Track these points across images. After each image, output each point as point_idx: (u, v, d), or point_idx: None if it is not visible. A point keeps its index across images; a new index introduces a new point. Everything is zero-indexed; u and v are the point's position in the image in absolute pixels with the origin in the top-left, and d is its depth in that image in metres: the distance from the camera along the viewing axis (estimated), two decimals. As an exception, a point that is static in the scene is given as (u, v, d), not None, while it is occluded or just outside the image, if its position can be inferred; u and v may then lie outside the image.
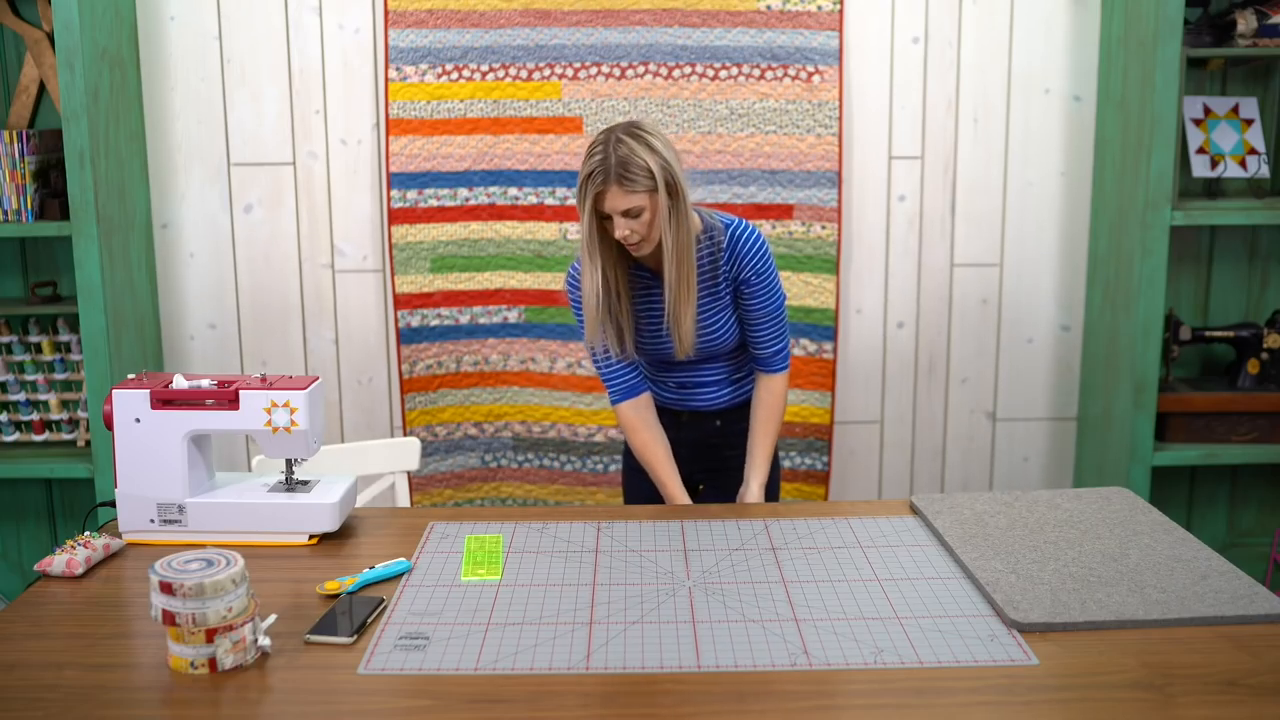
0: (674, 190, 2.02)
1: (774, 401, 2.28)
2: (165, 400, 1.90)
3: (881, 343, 3.25)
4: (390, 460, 2.58)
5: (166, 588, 1.48)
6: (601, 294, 2.13)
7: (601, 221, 2.08)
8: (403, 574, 1.80)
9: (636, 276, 2.22)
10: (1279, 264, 3.22)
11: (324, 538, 1.96)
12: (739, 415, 2.34)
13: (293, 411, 1.91)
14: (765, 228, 3.10)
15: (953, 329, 3.25)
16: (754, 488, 2.29)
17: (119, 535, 1.96)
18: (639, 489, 2.42)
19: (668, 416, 2.36)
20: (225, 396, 1.91)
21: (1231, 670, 1.47)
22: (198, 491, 1.95)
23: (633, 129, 2.03)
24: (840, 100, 3.06)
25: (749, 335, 2.24)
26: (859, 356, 3.25)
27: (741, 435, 2.33)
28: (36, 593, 1.75)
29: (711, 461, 2.37)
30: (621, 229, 2.03)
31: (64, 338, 3.05)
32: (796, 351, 3.17)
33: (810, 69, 3.04)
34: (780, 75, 3.04)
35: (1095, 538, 1.88)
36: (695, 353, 2.22)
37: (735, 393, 2.34)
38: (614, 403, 2.30)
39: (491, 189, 3.08)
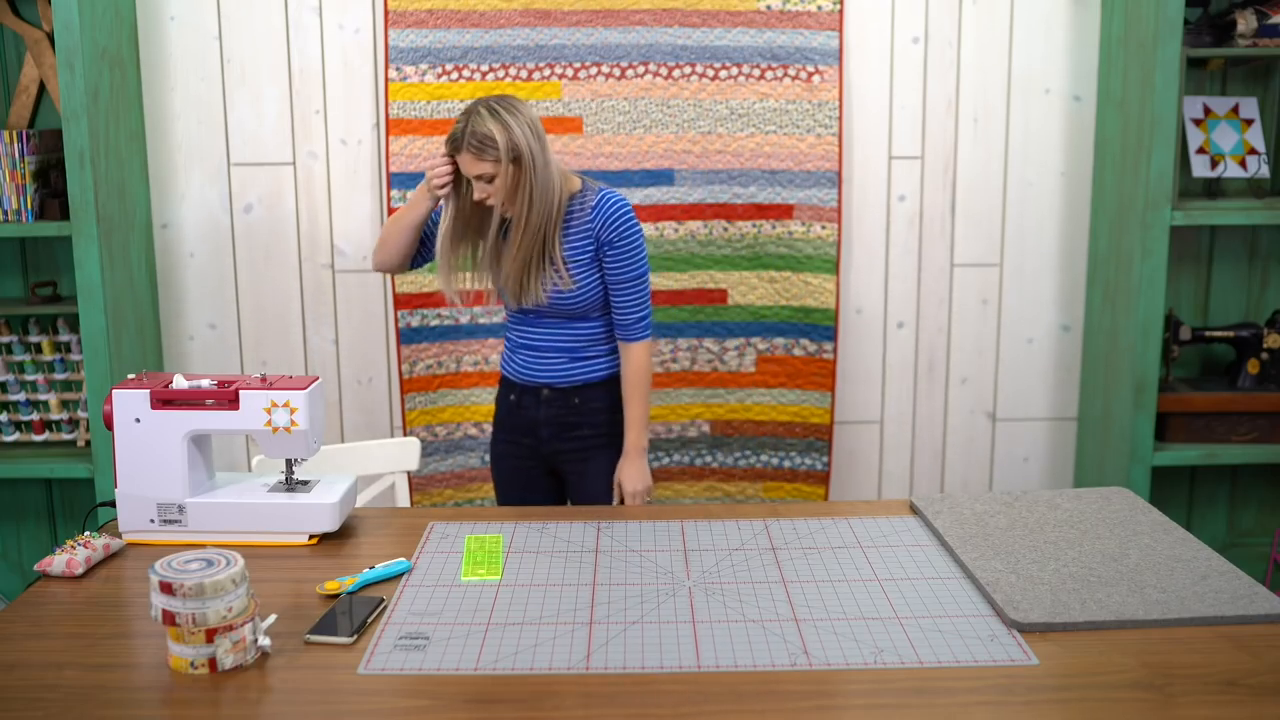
0: (520, 162, 2.23)
1: (635, 370, 2.42)
2: (165, 400, 1.90)
3: (881, 343, 3.25)
4: (390, 460, 2.58)
5: (166, 588, 1.48)
6: (453, 222, 2.36)
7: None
8: (403, 574, 1.80)
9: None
10: (1279, 264, 3.22)
11: (324, 538, 1.96)
12: (595, 394, 2.44)
13: (293, 411, 1.91)
14: (765, 228, 3.10)
15: (953, 329, 3.25)
16: (629, 448, 2.42)
17: (119, 535, 1.96)
18: (506, 480, 2.52)
19: (529, 395, 2.45)
20: (225, 396, 1.91)
21: (1231, 670, 1.47)
22: (198, 491, 1.95)
23: (494, 102, 2.25)
24: (840, 100, 3.06)
25: (612, 301, 2.39)
26: (859, 356, 3.25)
27: (598, 413, 2.45)
28: (36, 593, 1.75)
29: (570, 440, 2.45)
30: (478, 191, 2.28)
31: (64, 338, 3.05)
32: (796, 351, 3.17)
33: (810, 69, 3.04)
34: (780, 75, 3.04)
35: (1095, 538, 1.88)
36: (547, 305, 2.36)
37: (585, 368, 2.43)
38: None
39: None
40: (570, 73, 3.03)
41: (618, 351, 2.46)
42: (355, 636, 1.58)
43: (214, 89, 3.09)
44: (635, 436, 2.42)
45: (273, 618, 1.60)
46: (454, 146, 2.26)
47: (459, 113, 3.02)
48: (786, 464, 3.24)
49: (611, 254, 2.34)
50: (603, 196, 2.35)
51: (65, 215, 2.87)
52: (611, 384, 2.46)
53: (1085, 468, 3.25)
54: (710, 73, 3.04)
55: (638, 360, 2.41)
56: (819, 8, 3.03)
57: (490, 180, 2.25)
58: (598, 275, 2.36)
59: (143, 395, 1.90)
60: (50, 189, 2.95)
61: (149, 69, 3.07)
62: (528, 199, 2.26)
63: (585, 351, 2.43)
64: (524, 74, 3.03)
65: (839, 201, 3.09)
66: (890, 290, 3.23)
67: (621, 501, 2.42)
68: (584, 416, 2.44)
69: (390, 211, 3.08)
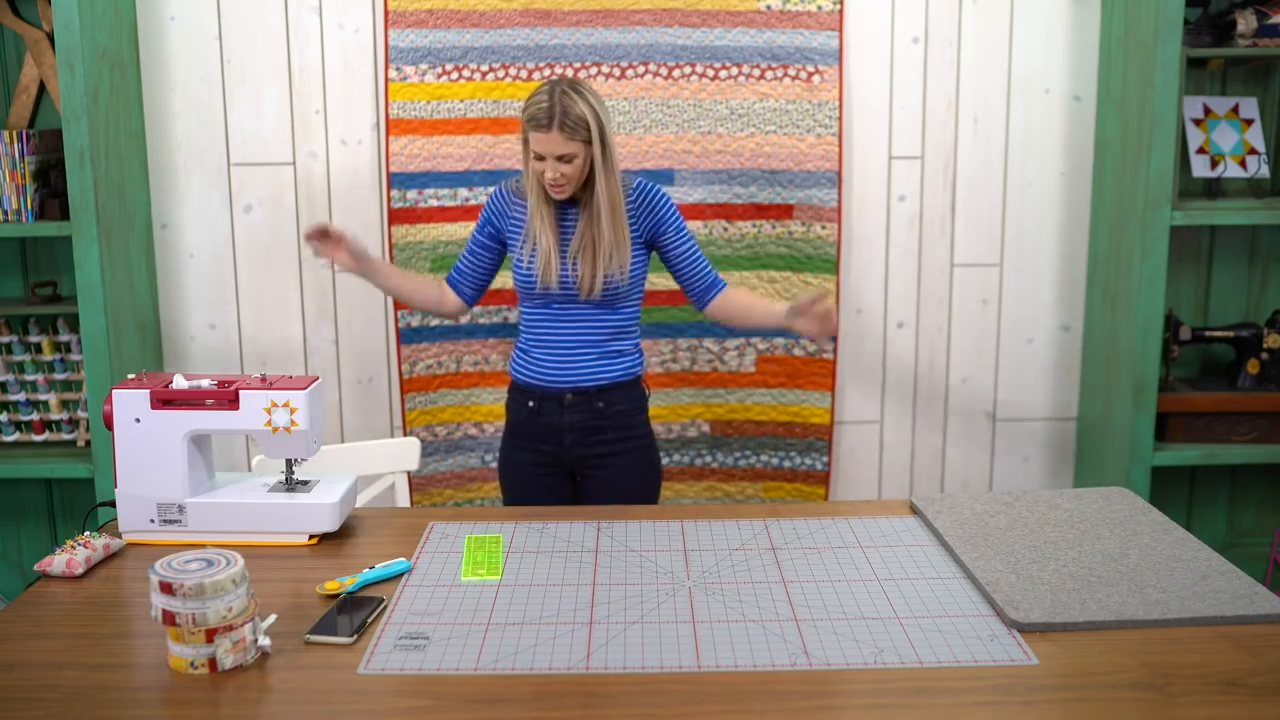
0: (605, 144, 2.28)
1: (740, 294, 2.50)
2: (165, 400, 1.90)
3: (881, 343, 3.25)
4: (390, 460, 2.58)
5: (166, 588, 1.48)
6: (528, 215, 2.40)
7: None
8: (403, 574, 1.80)
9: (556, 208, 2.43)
10: (1279, 264, 3.22)
11: (324, 538, 1.96)
12: (619, 396, 2.44)
13: (293, 411, 1.91)
14: (765, 228, 3.10)
15: (953, 329, 3.25)
16: (781, 307, 2.40)
17: (119, 535, 1.96)
18: (519, 486, 2.51)
19: (551, 401, 2.43)
20: (225, 396, 1.91)
21: (1231, 670, 1.47)
22: (198, 491, 1.95)
23: (574, 85, 2.28)
24: (840, 100, 3.06)
25: (689, 274, 2.45)
26: (859, 356, 3.25)
27: (623, 415, 2.44)
28: (36, 593, 1.75)
29: (595, 445, 2.44)
30: (553, 171, 2.27)
31: (64, 338, 3.05)
32: (796, 351, 3.17)
33: (810, 69, 3.05)
34: (780, 75, 3.04)
35: (1095, 538, 1.88)
36: (597, 291, 2.37)
37: (611, 366, 2.43)
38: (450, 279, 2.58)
39: (491, 189, 3.08)
40: (570, 73, 3.03)
41: (640, 350, 2.50)
42: (355, 636, 1.58)
43: (214, 89, 3.09)
44: (779, 307, 2.40)
45: (273, 618, 1.60)
46: (539, 125, 2.25)
47: (457, 113, 3.05)
48: (786, 464, 3.24)
49: (668, 240, 2.42)
50: (639, 184, 2.42)
51: (65, 215, 2.87)
52: (633, 385, 2.46)
53: (1085, 468, 3.25)
54: (710, 73, 3.04)
55: (740, 292, 2.50)
56: (819, 8, 3.03)
57: (570, 161, 2.27)
58: (638, 255, 2.41)
59: (143, 395, 1.90)
60: (50, 189, 2.95)
61: (149, 69, 3.07)
62: (611, 178, 2.31)
63: (610, 345, 2.43)
64: (524, 74, 3.03)
65: (839, 201, 3.10)
66: (890, 290, 3.23)
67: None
68: (608, 420, 2.43)
69: (390, 212, 3.08)
